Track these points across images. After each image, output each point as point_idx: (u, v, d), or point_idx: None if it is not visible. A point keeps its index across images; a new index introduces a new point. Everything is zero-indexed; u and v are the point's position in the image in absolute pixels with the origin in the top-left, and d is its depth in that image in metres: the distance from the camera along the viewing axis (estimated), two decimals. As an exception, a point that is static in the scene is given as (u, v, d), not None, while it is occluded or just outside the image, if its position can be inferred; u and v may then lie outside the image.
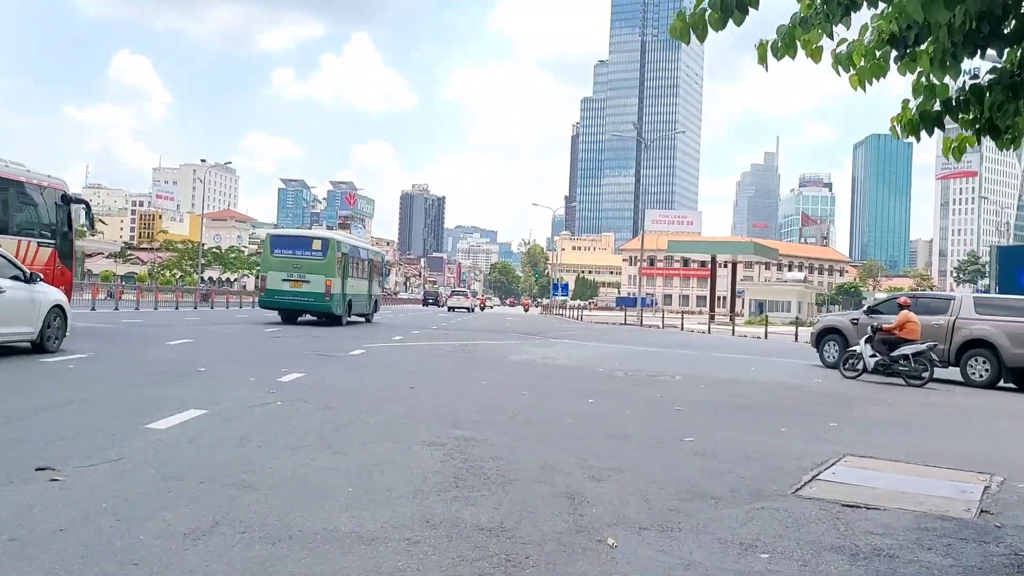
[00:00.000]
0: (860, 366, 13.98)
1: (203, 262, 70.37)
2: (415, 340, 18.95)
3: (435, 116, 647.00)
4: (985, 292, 25.48)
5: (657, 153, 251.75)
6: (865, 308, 16.29)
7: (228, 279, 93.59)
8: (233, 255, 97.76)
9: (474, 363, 14.00)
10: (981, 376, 14.32)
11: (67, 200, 15.57)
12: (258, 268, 37.82)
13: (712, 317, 39.60)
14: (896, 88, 4.23)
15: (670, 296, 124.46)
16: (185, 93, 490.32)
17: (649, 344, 21.98)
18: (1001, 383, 14.37)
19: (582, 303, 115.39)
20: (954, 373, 14.95)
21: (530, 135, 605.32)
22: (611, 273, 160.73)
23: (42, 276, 11.42)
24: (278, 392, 8.00)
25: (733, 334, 29.03)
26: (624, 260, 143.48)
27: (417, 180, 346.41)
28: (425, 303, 77.29)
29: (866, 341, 13.98)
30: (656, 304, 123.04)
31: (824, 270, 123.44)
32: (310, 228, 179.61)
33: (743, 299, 58.23)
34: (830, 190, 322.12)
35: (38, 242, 14.35)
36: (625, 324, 37.62)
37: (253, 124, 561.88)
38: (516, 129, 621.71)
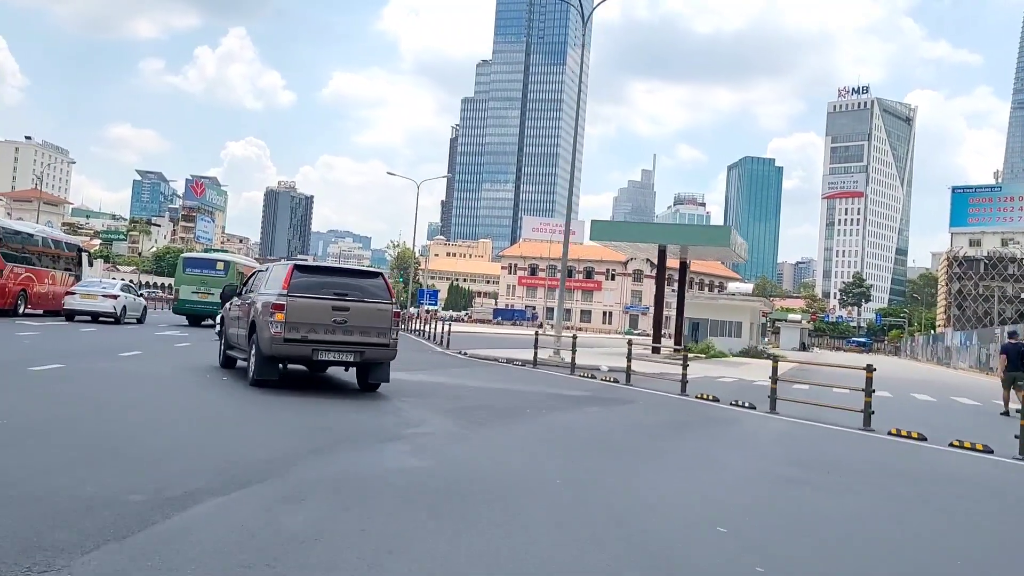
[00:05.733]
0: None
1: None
2: None
3: (313, 116, 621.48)
4: None
5: (538, 161, 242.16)
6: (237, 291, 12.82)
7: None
8: None
9: None
10: None
11: (80, 251, 30.06)
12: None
13: (657, 348, 26.15)
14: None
15: (552, 309, 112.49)
16: (44, 78, 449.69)
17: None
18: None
19: (455, 314, 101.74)
20: None
21: (410, 140, 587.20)
22: (488, 282, 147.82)
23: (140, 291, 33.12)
24: None
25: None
26: (503, 268, 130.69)
27: (291, 180, 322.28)
28: None
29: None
30: (537, 318, 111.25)
31: (716, 287, 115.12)
32: (161, 217, 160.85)
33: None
34: (705, 208, 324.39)
35: (70, 274, 27.65)
36: (533, 367, 19.60)
37: (118, 115, 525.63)
38: (395, 133, 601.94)
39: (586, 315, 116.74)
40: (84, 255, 30.47)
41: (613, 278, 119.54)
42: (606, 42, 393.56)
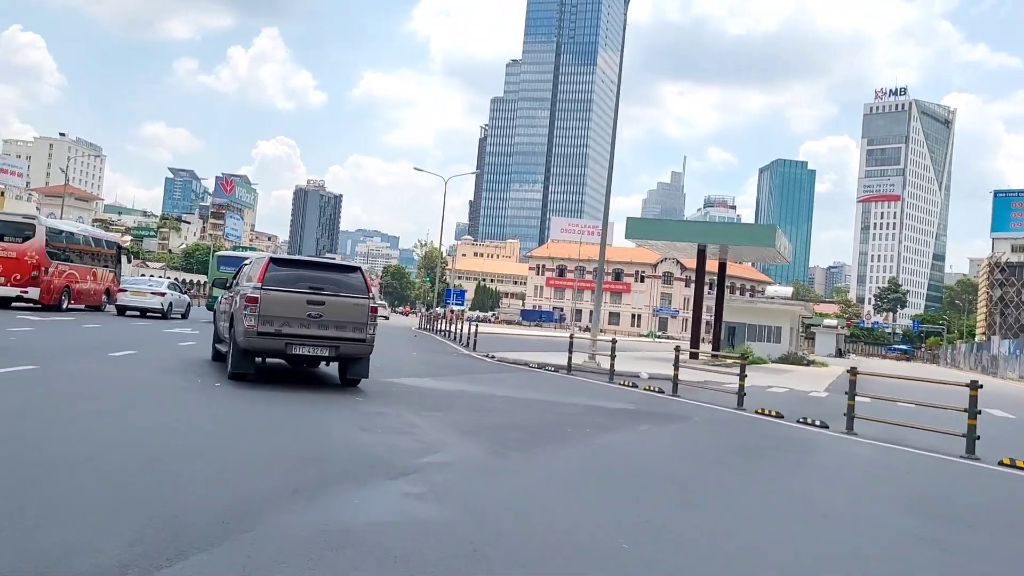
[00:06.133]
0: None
1: None
2: None
3: (343, 116, 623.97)
4: None
5: (567, 162, 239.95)
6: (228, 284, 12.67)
7: None
8: None
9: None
10: None
11: (120, 248, 31.11)
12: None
13: (695, 353, 24.04)
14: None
15: (580, 312, 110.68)
16: (80, 77, 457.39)
17: None
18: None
19: (481, 315, 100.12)
20: None
21: (439, 141, 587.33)
22: (515, 283, 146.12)
23: (183, 289, 32.84)
24: None
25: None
26: (531, 269, 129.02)
27: (320, 179, 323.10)
28: None
29: None
30: (564, 319, 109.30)
31: (747, 290, 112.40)
32: (192, 214, 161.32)
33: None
34: (735, 211, 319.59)
35: (109, 270, 28.76)
36: (567, 373, 18.32)
37: (152, 113, 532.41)
38: (425, 134, 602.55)
39: (615, 317, 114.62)
40: (123, 253, 32.06)
41: (642, 280, 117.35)
42: (636, 44, 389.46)
